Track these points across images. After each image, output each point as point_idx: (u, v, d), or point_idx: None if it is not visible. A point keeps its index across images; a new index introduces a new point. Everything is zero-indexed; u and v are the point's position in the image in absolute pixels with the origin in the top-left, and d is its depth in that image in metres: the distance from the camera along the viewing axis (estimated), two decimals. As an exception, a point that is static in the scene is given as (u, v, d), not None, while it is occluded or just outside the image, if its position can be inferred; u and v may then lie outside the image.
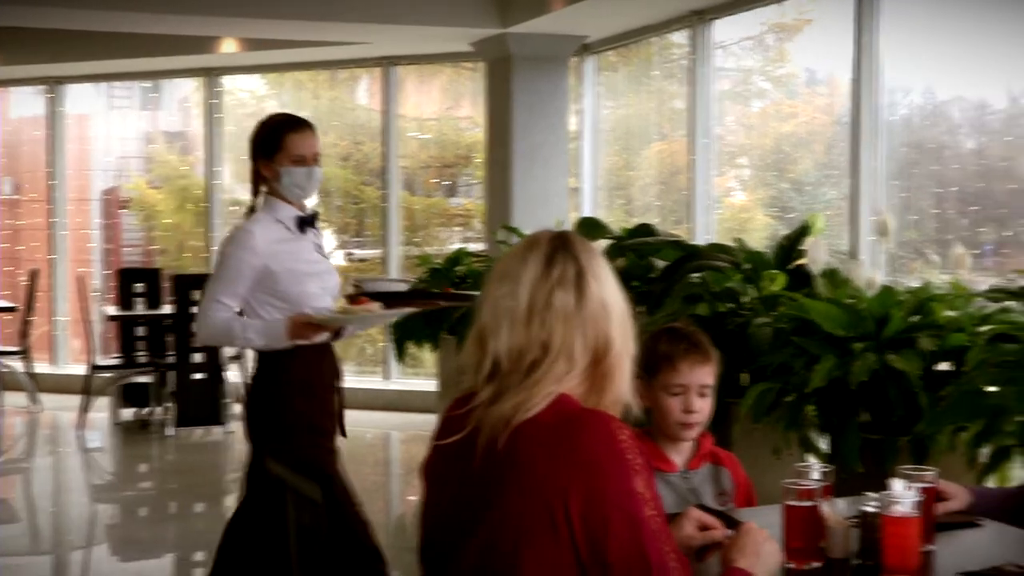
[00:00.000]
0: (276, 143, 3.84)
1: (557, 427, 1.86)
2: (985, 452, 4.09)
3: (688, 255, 5.53)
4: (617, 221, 8.06)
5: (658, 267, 5.82)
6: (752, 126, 8.11)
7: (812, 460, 4.32)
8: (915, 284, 4.92)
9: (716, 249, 5.74)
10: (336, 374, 4.00)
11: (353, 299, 3.86)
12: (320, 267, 3.95)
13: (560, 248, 1.98)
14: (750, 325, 5.06)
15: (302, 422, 3.81)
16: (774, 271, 5.39)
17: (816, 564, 2.34)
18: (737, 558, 2.08)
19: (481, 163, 9.33)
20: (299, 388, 3.82)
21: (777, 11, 7.32)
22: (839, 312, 4.55)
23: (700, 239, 7.44)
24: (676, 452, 2.93)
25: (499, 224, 8.24)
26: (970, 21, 5.88)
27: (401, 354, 8.47)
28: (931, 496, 2.45)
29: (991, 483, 4.04)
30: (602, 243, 6.30)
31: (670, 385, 2.85)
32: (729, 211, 8.16)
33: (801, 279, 5.28)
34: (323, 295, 3.89)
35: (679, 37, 8.04)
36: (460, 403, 2.02)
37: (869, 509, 2.34)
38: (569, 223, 7.89)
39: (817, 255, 5.01)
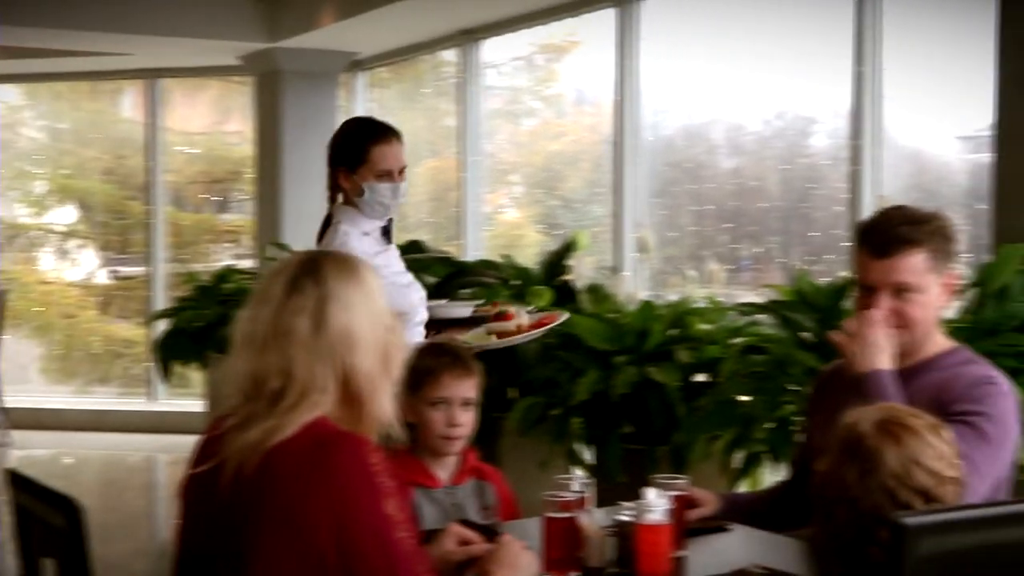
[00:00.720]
0: (359, 155, 3.48)
1: (308, 453, 1.82)
2: (738, 458, 4.28)
3: (457, 271, 5.58)
4: (390, 238, 8.03)
5: (428, 284, 5.84)
6: (523, 144, 8.25)
7: (576, 472, 4.43)
8: (675, 299, 5.11)
9: (485, 265, 5.80)
10: None
11: (497, 316, 3.54)
12: (410, 276, 3.67)
13: (307, 272, 1.92)
14: (518, 340, 5.14)
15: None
16: (541, 287, 5.50)
17: (574, 574, 2.39)
18: (494, 570, 2.10)
19: (252, 179, 9.17)
20: None
21: (546, 32, 7.48)
22: (602, 326, 4.67)
23: (471, 255, 7.51)
24: (440, 467, 2.94)
25: (269, 241, 8.10)
26: (728, 47, 6.15)
27: (166, 374, 8.21)
28: (682, 503, 2.53)
29: (744, 488, 4.23)
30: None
31: (433, 399, 2.86)
32: (502, 228, 8.27)
33: (567, 294, 5.40)
34: (421, 306, 3.61)
35: (450, 55, 8.12)
36: (217, 425, 1.97)
37: (623, 518, 2.40)
38: (340, 240, 7.82)
39: (582, 271, 5.13)
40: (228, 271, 8.30)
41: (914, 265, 2.54)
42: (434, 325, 3.68)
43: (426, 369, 2.88)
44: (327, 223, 3.56)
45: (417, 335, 3.52)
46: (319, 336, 1.87)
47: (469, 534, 2.30)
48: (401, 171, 3.51)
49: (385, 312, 1.97)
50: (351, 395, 1.91)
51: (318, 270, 1.92)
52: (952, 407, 2.44)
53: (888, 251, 2.55)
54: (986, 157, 4.43)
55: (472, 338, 3.33)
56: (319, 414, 1.88)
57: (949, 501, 1.84)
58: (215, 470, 1.88)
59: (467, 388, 2.90)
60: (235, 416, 1.89)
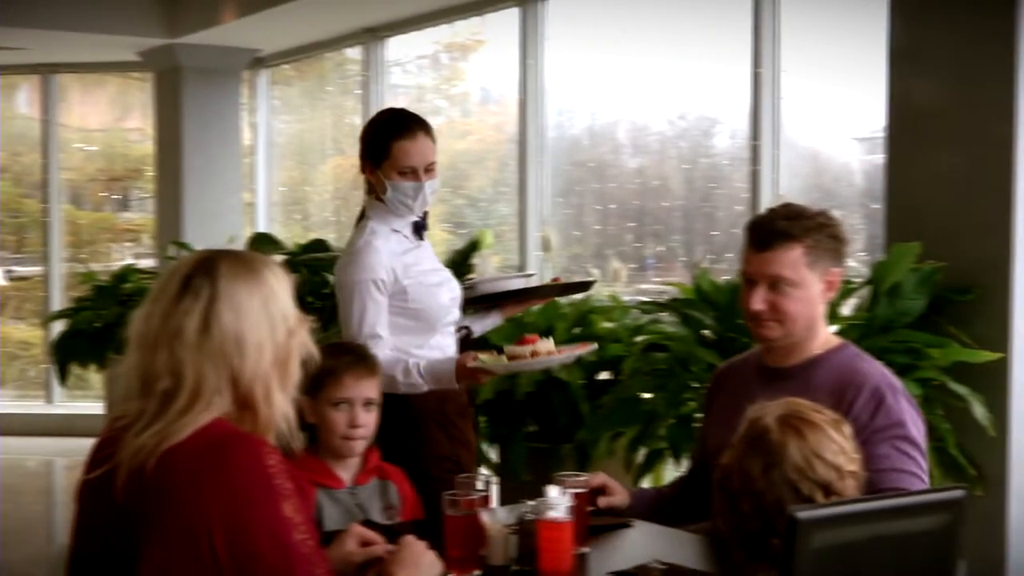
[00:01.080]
0: (382, 150, 3.31)
1: (204, 455, 1.80)
2: (641, 455, 4.32)
3: (361, 271, 5.53)
4: (294, 236, 7.97)
5: (332, 282, 5.80)
6: (428, 143, 8.23)
7: (481, 470, 4.44)
8: (578, 297, 5.14)
9: (389, 264, 5.77)
10: (469, 398, 3.50)
11: (518, 340, 3.21)
12: (443, 275, 3.45)
13: (202, 272, 1.89)
14: (422, 339, 5.13)
15: (440, 453, 3.30)
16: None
17: (476, 572, 2.39)
18: (396, 571, 2.10)
19: (153, 177, 9.02)
20: (434, 418, 3.32)
21: (450, 31, 7.48)
22: (506, 325, 4.66)
23: (376, 255, 7.47)
24: (343, 468, 2.92)
25: (170, 240, 7.99)
26: (633, 47, 6.21)
27: (64, 376, 8.04)
28: (584, 500, 2.56)
29: (647, 484, 4.27)
30: (277, 258, 6.20)
31: (335, 399, 2.85)
32: (407, 227, 8.24)
33: (471, 293, 5.40)
34: (452, 307, 3.41)
35: (354, 53, 8.07)
36: (112, 427, 1.94)
37: (526, 516, 2.42)
38: (243, 239, 7.75)
39: (485, 270, 5.14)
40: (128, 271, 8.16)
41: (791, 259, 2.59)
42: (486, 300, 3.55)
43: (327, 370, 2.84)
44: (361, 217, 3.43)
45: (448, 335, 3.40)
46: (207, 337, 1.84)
47: (370, 534, 2.29)
48: (428, 168, 3.32)
49: (287, 314, 1.93)
50: (243, 398, 1.88)
51: (212, 270, 1.89)
52: (866, 421, 2.48)
53: (766, 244, 2.61)
54: (880, 158, 4.54)
55: (487, 360, 3.15)
56: (216, 416, 1.86)
57: (849, 494, 1.89)
58: (110, 473, 1.85)
59: (369, 388, 2.89)
60: (127, 417, 1.86)
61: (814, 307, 2.63)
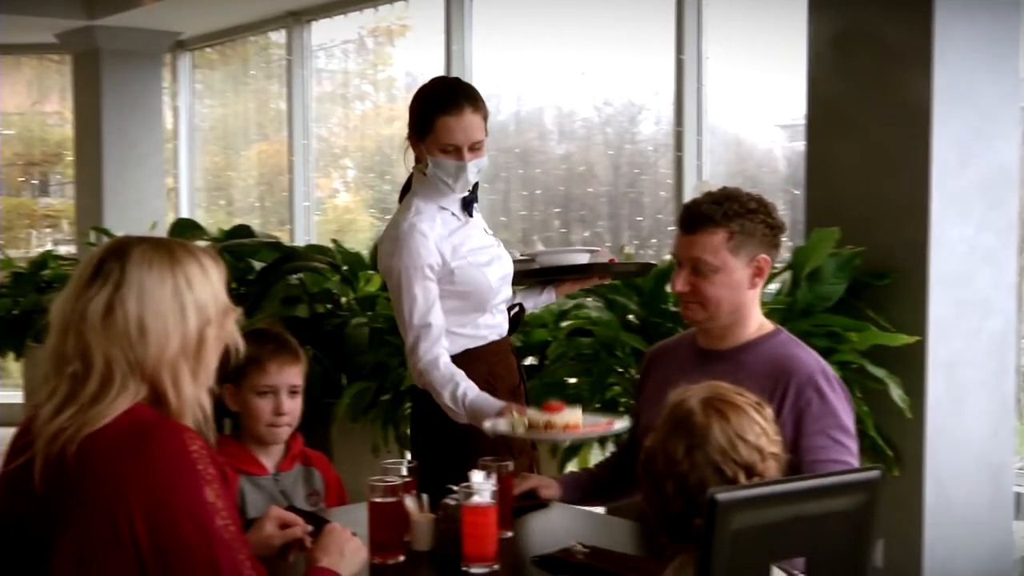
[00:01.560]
0: (426, 124, 3.07)
1: (125, 441, 1.78)
2: (566, 440, 4.34)
3: (285, 256, 5.50)
4: (218, 222, 7.89)
5: (257, 269, 5.75)
6: (355, 128, 8.19)
7: (407, 456, 4.42)
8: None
9: (314, 250, 5.75)
10: (518, 379, 3.28)
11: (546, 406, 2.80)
12: (493, 252, 3.21)
13: (112, 258, 1.87)
14: (347, 325, 5.11)
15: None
16: (371, 271, 5.47)
17: (400, 558, 2.39)
18: (320, 557, 2.09)
19: (72, 162, 8.87)
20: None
21: (376, 15, 7.44)
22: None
23: (301, 240, 7.42)
24: (266, 455, 2.90)
25: (90, 226, 7.85)
26: (559, 33, 6.23)
27: (-19, 365, 7.90)
28: (508, 484, 2.57)
29: (573, 467, 4.30)
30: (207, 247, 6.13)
31: (259, 387, 2.82)
32: (334, 212, 8.20)
33: (397, 279, 5.38)
34: (503, 285, 3.19)
35: (278, 37, 7.99)
36: (31, 414, 1.91)
37: (450, 501, 2.42)
38: (165, 224, 7.65)
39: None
40: (47, 257, 8.02)
41: (712, 244, 2.60)
42: (548, 273, 3.39)
43: (251, 358, 2.80)
44: (406, 189, 3.25)
45: (499, 313, 3.21)
46: (111, 322, 1.82)
47: (289, 516, 2.28)
48: (473, 147, 3.07)
49: (203, 303, 1.89)
50: (152, 385, 1.86)
51: (124, 255, 1.87)
52: (802, 409, 2.51)
53: (692, 227, 2.63)
54: (802, 145, 4.60)
55: (517, 419, 2.78)
56: (136, 402, 1.84)
57: (771, 475, 1.91)
58: (29, 464, 1.82)
59: (293, 375, 2.87)
60: (48, 404, 1.84)
61: (738, 292, 2.63)
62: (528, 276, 3.39)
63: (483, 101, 3.12)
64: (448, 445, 3.05)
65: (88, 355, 1.82)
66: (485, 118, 3.12)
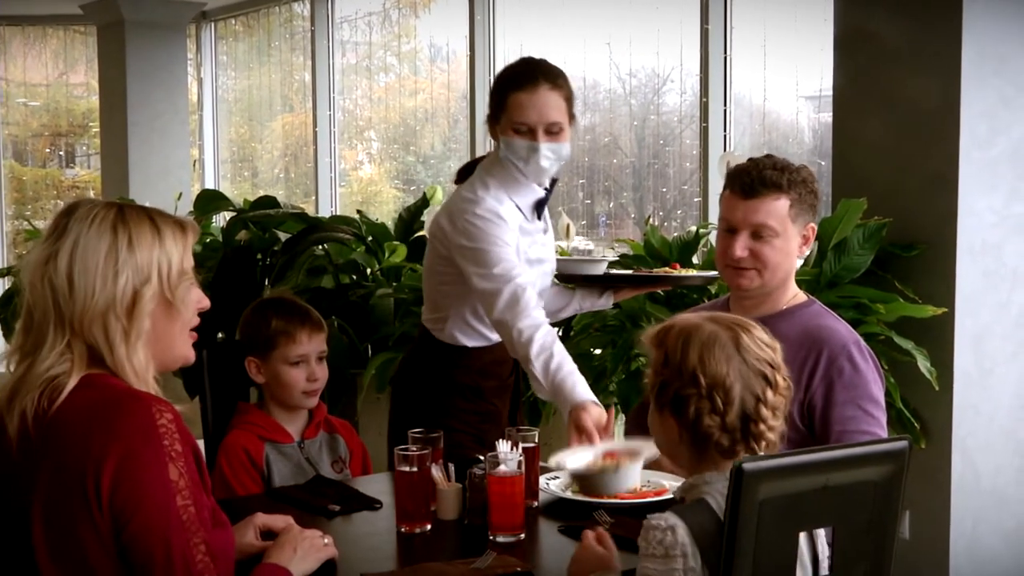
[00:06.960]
0: (500, 102, 2.86)
1: (94, 414, 1.80)
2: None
3: (311, 227, 5.51)
4: (243, 193, 7.91)
5: (282, 240, 5.76)
6: (379, 100, 8.18)
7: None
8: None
9: (339, 221, 5.75)
10: (512, 371, 3.11)
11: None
12: (547, 267, 3.05)
13: (64, 216, 1.90)
14: (372, 296, 5.12)
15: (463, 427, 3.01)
16: (395, 242, 5.48)
17: (427, 527, 2.41)
18: (272, 554, 2.11)
19: (98, 133, 8.90)
20: (467, 392, 3.03)
21: (400, -14, 7.42)
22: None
23: (325, 212, 7.44)
24: (291, 423, 2.94)
25: (116, 197, 7.88)
26: (582, 4, 6.19)
27: (9, 334, 7.94)
28: (534, 456, 2.57)
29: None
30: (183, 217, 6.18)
31: (291, 357, 2.91)
32: (358, 184, 8.20)
33: (422, 250, 5.38)
34: (545, 278, 3.05)
35: (302, 8, 7.98)
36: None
37: (476, 471, 2.43)
38: (191, 195, 7.67)
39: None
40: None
41: (777, 209, 2.60)
42: (598, 280, 3.21)
43: (280, 330, 2.92)
44: (468, 172, 3.02)
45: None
46: (44, 276, 1.86)
47: (271, 522, 2.27)
48: (550, 129, 2.82)
49: (145, 263, 1.88)
50: (86, 342, 1.86)
51: (71, 213, 1.90)
52: (833, 379, 2.52)
53: (754, 192, 2.61)
54: (827, 116, 4.56)
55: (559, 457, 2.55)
56: (98, 371, 1.85)
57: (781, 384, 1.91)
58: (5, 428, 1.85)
59: (321, 342, 2.97)
60: (14, 373, 1.89)
61: (791, 259, 2.65)
62: (591, 280, 3.22)
63: (566, 80, 2.87)
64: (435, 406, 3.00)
65: (30, 307, 1.87)
66: (568, 100, 2.87)
